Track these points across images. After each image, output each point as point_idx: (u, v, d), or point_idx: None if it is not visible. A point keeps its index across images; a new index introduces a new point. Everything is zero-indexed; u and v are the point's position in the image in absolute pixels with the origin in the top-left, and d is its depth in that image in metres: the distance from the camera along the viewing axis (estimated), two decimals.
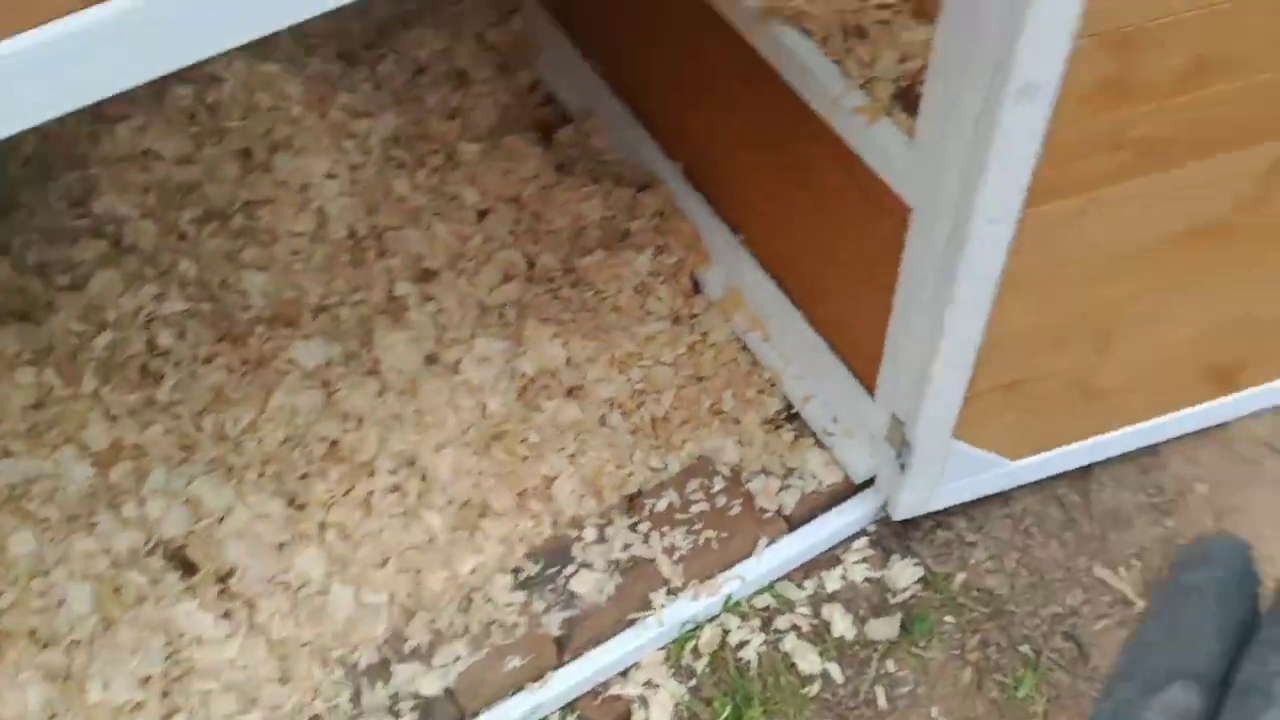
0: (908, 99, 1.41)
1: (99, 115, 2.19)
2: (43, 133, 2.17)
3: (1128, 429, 1.79)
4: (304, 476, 1.83)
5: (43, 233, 2.10)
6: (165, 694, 1.65)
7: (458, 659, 1.68)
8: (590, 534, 1.79)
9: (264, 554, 1.75)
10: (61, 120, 0.85)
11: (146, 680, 1.64)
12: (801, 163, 1.65)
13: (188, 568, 1.75)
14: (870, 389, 1.74)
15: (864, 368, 1.75)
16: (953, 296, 1.37)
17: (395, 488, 1.83)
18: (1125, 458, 1.88)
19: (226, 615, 1.70)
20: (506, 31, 2.35)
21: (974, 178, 1.23)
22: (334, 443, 1.86)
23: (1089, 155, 1.24)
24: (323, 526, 1.80)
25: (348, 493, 1.82)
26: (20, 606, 1.70)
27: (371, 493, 1.82)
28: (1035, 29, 1.06)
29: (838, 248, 1.68)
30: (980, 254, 1.31)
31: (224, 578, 1.74)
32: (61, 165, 2.21)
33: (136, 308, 1.98)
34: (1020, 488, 1.85)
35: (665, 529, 1.79)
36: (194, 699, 1.64)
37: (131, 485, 1.81)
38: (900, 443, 1.68)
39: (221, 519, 1.79)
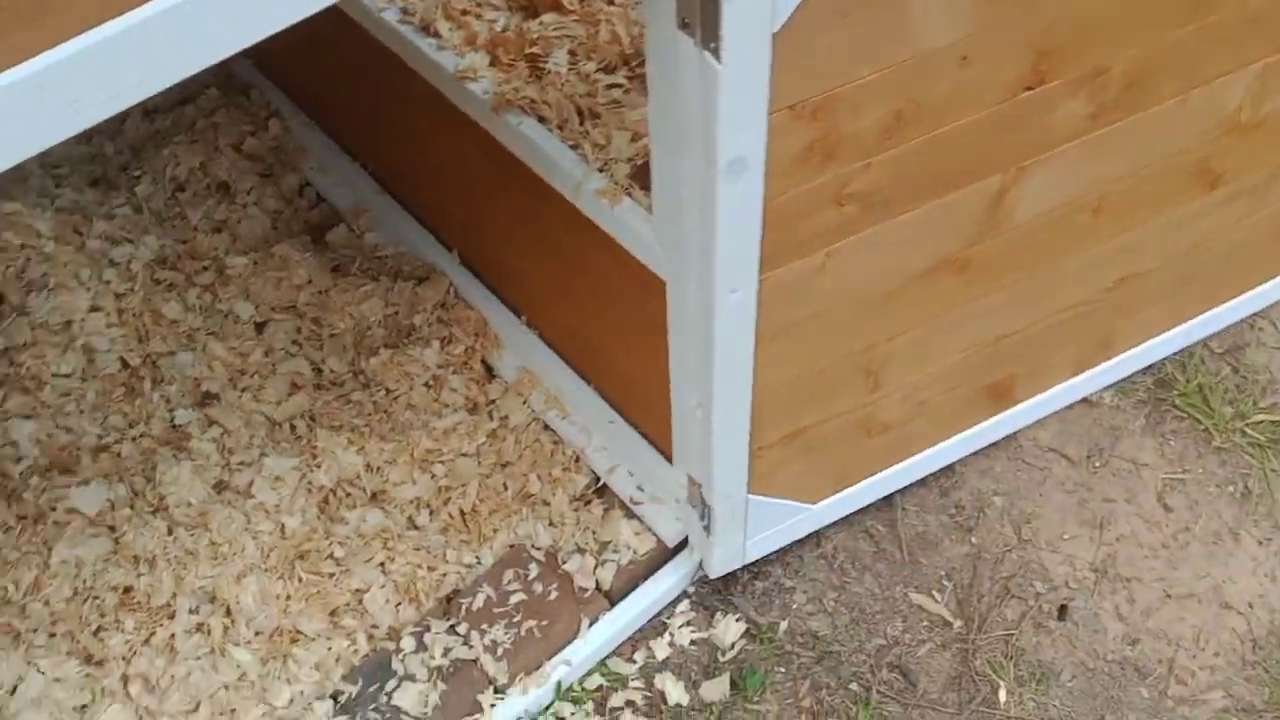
0: (644, 176, 1.44)
1: None
2: None
3: (920, 455, 1.85)
4: (98, 631, 1.74)
5: None
6: None
7: None
8: (409, 643, 1.74)
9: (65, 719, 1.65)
10: None
11: None
12: (563, 244, 1.66)
13: None
14: (668, 454, 1.75)
15: (658, 434, 1.76)
16: (713, 360, 1.39)
17: (198, 627, 1.75)
18: (923, 482, 1.94)
19: None
20: (265, 139, 2.31)
21: (708, 251, 1.25)
22: (127, 589, 1.77)
23: (813, 214, 1.28)
24: (125, 680, 1.70)
25: (147, 640, 1.74)
26: None
27: (173, 636, 1.74)
28: (729, 108, 1.09)
29: (613, 322, 1.69)
30: (729, 320, 1.33)
31: None
32: None
33: None
34: (828, 527, 1.88)
35: (485, 626, 1.76)
36: None
37: None
38: (701, 503, 1.69)
39: (13, 690, 1.67)
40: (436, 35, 1.67)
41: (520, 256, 1.86)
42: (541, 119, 1.55)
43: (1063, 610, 1.83)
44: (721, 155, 1.13)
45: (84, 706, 1.68)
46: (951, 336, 1.64)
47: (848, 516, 1.89)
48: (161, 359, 2.02)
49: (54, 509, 1.83)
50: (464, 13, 1.68)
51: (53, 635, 1.73)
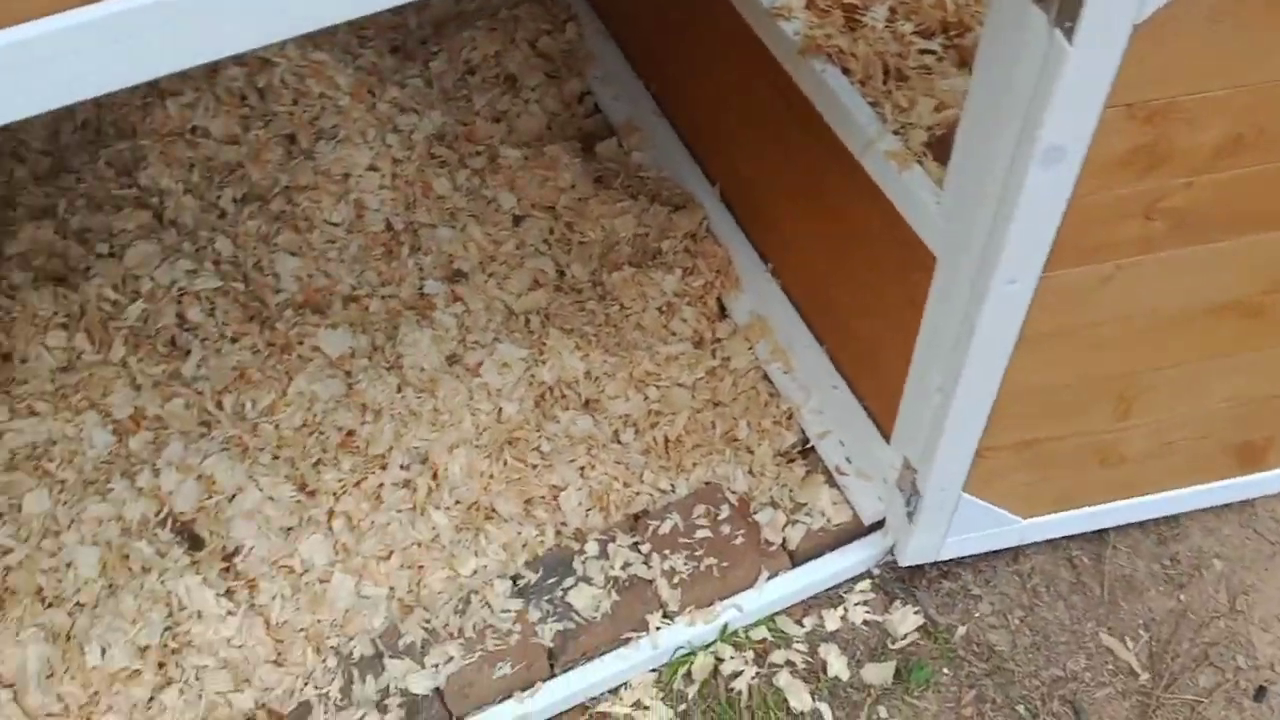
0: (940, 148, 1.40)
1: (151, 88, 2.22)
2: (96, 100, 2.21)
3: (1147, 497, 1.76)
4: (317, 463, 1.85)
5: (88, 199, 2.14)
6: (161, 665, 1.67)
7: (450, 660, 1.69)
8: (592, 548, 1.79)
9: (270, 536, 1.77)
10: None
11: (144, 650, 1.67)
12: (835, 200, 1.64)
13: (195, 542, 1.78)
14: (886, 433, 1.73)
15: (882, 411, 1.74)
16: (970, 349, 1.35)
17: (406, 483, 1.84)
18: (1143, 525, 1.85)
19: (228, 594, 1.72)
20: (560, 40, 2.36)
21: (997, 236, 1.21)
22: (350, 433, 1.88)
23: (1117, 222, 1.22)
24: (331, 514, 1.81)
25: (359, 484, 1.84)
26: (29, 564, 1.73)
27: (382, 486, 1.84)
28: (1064, 94, 1.05)
29: (865, 288, 1.66)
30: (998, 311, 1.29)
31: (229, 556, 1.76)
32: (113, 134, 2.25)
33: (170, 281, 2.01)
34: (1031, 545, 1.82)
35: (667, 552, 1.79)
36: (189, 673, 1.67)
37: (148, 455, 1.84)
38: (911, 490, 1.66)
39: (232, 497, 1.81)
40: None
41: (782, 203, 1.86)
42: (846, 70, 1.52)
43: (1260, 692, 1.72)
44: (1042, 140, 1.09)
45: (289, 529, 1.80)
46: (1219, 382, 1.54)
47: (1055, 540, 1.82)
48: (422, 229, 2.12)
49: (301, 343, 1.96)
50: None
51: (276, 458, 1.86)
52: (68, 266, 2.04)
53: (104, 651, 1.66)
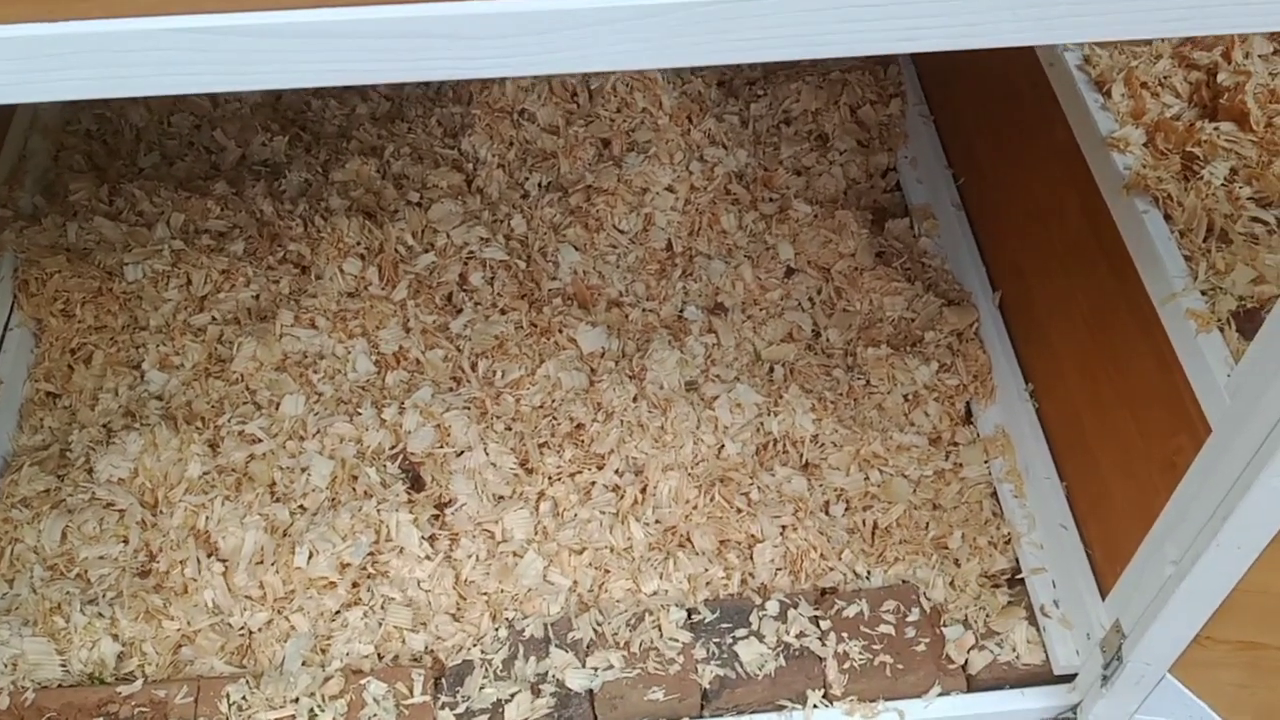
0: (1248, 322, 1.34)
1: None
2: None
3: None
4: (542, 445, 1.94)
5: (413, 149, 2.33)
6: (355, 585, 1.80)
7: (610, 667, 1.73)
8: (773, 608, 1.80)
9: (483, 499, 1.87)
10: None
11: (345, 567, 1.79)
12: (1117, 342, 1.59)
13: (416, 483, 1.90)
14: (1104, 588, 1.66)
15: (1105, 565, 1.67)
16: (1219, 535, 1.29)
17: (616, 488, 1.91)
18: None
19: (431, 540, 1.83)
20: (880, 112, 2.38)
21: None
22: (579, 426, 1.96)
23: None
24: (540, 496, 1.90)
25: (573, 475, 1.92)
26: (270, 459, 1.90)
27: (594, 484, 1.91)
28: None
29: (1124, 438, 1.60)
30: (1260, 505, 1.23)
31: (442, 505, 1.88)
32: (450, 97, 2.44)
33: (463, 243, 2.15)
34: None
35: (846, 635, 1.77)
36: (377, 600, 1.78)
37: (399, 393, 1.98)
38: (1115, 654, 1.59)
39: (460, 453, 1.92)
40: (1105, 95, 1.64)
41: (1059, 330, 1.81)
42: (1168, 217, 1.48)
43: None
44: None
45: (500, 498, 1.89)
46: None
47: None
48: (698, 257, 2.18)
49: (560, 332, 2.06)
50: (1143, 85, 1.64)
51: (508, 429, 1.96)
52: (379, 205, 2.22)
53: (310, 556, 1.79)
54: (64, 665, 1.73)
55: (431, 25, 0.77)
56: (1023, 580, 1.82)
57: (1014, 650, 1.76)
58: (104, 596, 1.78)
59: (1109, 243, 1.57)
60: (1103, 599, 1.66)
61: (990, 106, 2.07)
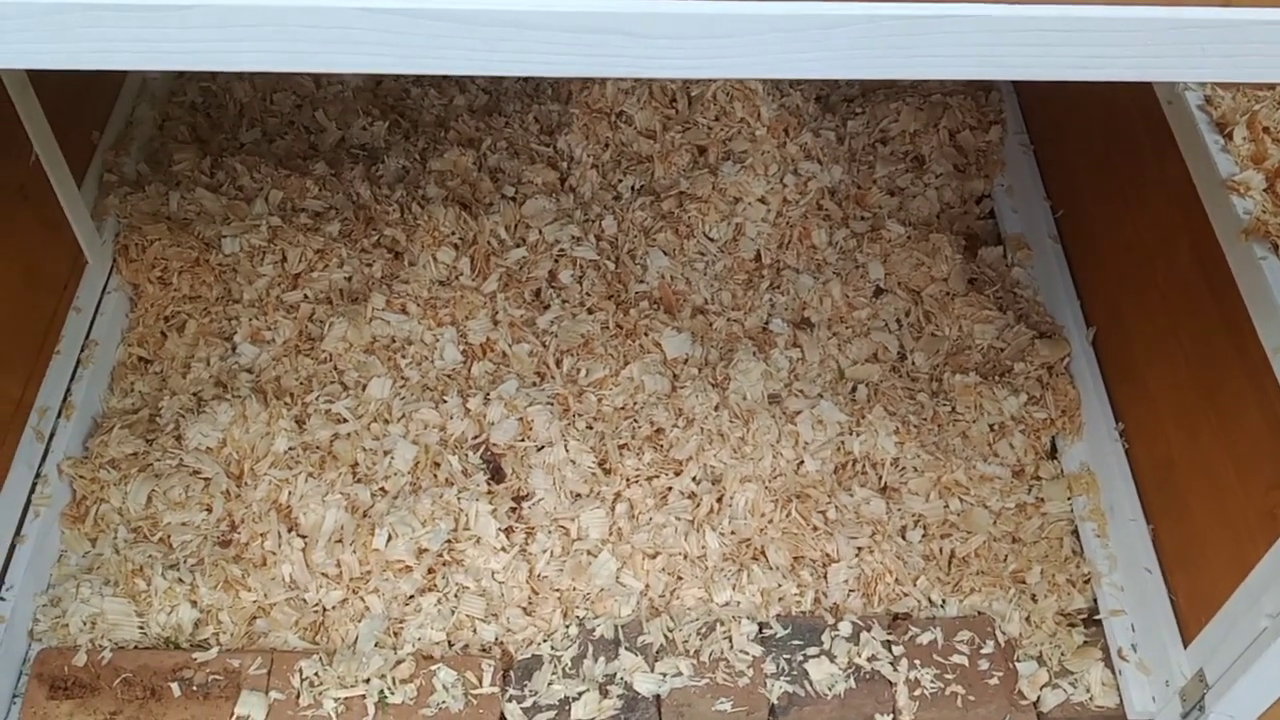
0: None
1: None
2: None
3: None
4: (622, 447, 1.94)
5: (509, 144, 2.34)
6: (431, 570, 1.81)
7: (678, 674, 1.73)
8: (845, 629, 1.79)
9: (561, 495, 1.88)
10: None
11: (422, 552, 1.81)
12: (1221, 388, 1.57)
13: (497, 474, 1.91)
14: (1187, 636, 1.63)
15: (1191, 613, 1.64)
16: None
17: (692, 495, 1.91)
18: None
19: (508, 532, 1.84)
20: (979, 138, 2.37)
21: None
22: (659, 430, 1.96)
23: None
24: (618, 497, 1.90)
25: (651, 479, 1.92)
26: (355, 439, 1.92)
27: (670, 489, 1.91)
28: None
29: (1221, 485, 1.58)
30: None
31: (520, 498, 1.88)
32: (549, 95, 2.45)
33: (554, 240, 2.17)
34: None
35: (918, 662, 1.76)
36: (451, 587, 1.79)
37: (485, 384, 1.99)
38: (1196, 703, 1.57)
39: (541, 448, 1.92)
40: (1226, 137, 1.62)
41: (1158, 371, 1.79)
42: None
43: None
44: None
45: (578, 495, 1.90)
46: None
47: None
48: (786, 270, 2.18)
49: (646, 335, 2.06)
50: (1265, 130, 1.61)
51: (590, 428, 1.96)
52: (474, 197, 2.24)
53: (389, 539, 1.80)
54: (142, 628, 1.75)
55: (618, 23, 0.78)
56: (1100, 621, 1.80)
57: (1088, 691, 1.74)
58: (185, 562, 1.80)
59: (1221, 287, 1.55)
60: (1184, 646, 1.63)
61: (1097, 140, 2.05)
